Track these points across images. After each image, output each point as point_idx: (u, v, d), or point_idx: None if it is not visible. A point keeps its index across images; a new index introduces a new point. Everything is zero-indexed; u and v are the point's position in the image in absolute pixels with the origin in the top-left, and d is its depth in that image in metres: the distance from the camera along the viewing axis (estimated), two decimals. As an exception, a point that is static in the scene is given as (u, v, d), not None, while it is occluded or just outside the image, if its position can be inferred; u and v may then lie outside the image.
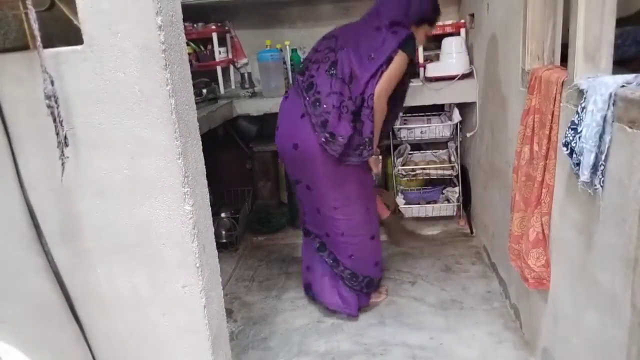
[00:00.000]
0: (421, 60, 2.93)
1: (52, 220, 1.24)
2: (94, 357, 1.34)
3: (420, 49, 2.91)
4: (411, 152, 3.24)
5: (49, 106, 1.06)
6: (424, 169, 3.09)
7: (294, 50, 3.15)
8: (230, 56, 3.33)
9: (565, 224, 1.51)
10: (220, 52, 3.16)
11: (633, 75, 1.20)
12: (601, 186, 1.22)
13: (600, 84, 1.21)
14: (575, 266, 1.45)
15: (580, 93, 1.31)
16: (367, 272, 2.24)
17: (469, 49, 2.85)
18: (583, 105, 1.27)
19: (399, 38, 1.96)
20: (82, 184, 1.20)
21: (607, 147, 1.19)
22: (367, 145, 2.00)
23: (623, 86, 1.16)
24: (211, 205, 1.36)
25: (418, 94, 2.73)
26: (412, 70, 2.13)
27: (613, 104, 1.16)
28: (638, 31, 1.69)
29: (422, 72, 2.91)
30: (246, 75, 3.26)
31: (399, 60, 1.96)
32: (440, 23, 2.91)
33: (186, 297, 1.27)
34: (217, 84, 3.14)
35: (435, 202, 3.15)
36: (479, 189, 2.83)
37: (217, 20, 3.24)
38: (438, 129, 3.03)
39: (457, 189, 3.09)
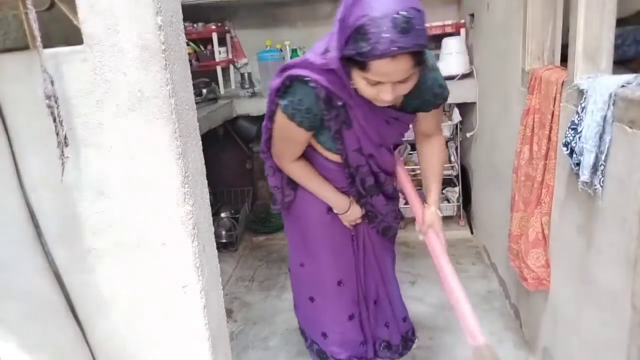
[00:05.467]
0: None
1: (52, 220, 1.23)
2: (94, 357, 1.34)
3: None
4: (411, 152, 3.22)
5: (49, 106, 1.06)
6: (424, 169, 3.09)
7: (294, 50, 3.15)
8: (230, 56, 3.33)
9: (565, 224, 1.51)
10: (220, 52, 3.17)
11: (633, 75, 1.20)
12: (601, 186, 1.22)
13: (600, 84, 1.21)
14: (575, 266, 1.45)
15: (580, 93, 1.31)
16: (312, 336, 1.83)
17: (469, 49, 2.85)
18: (583, 105, 1.27)
19: (275, 84, 1.33)
20: (82, 184, 1.20)
21: (607, 147, 1.19)
22: (274, 196, 1.65)
23: (623, 86, 1.16)
24: (211, 205, 1.36)
25: (418, 94, 2.73)
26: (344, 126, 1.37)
27: (613, 104, 1.16)
28: (638, 31, 1.70)
29: (422, 72, 2.91)
30: (246, 75, 3.26)
31: (279, 120, 1.37)
32: (440, 23, 2.91)
33: (186, 297, 1.27)
34: (217, 84, 3.14)
35: (435, 202, 3.15)
36: (479, 189, 2.83)
37: (217, 20, 3.24)
38: (438, 129, 3.02)
39: (457, 189, 3.09)
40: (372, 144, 1.45)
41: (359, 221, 1.64)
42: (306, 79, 1.27)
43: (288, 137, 1.41)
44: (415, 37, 1.08)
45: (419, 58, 1.14)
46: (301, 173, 1.53)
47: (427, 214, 1.52)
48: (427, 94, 1.38)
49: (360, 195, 1.58)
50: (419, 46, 1.11)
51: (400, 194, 1.73)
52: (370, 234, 1.69)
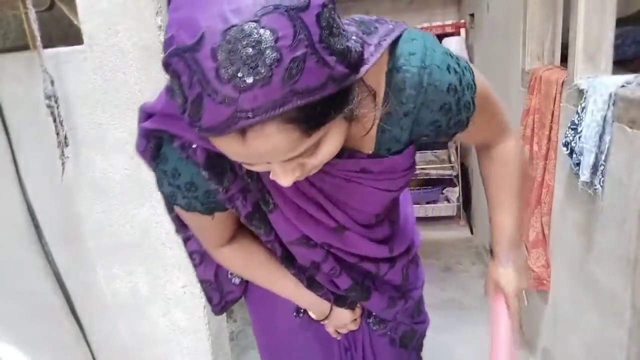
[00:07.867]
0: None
1: (52, 220, 1.23)
2: (94, 357, 1.34)
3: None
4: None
5: (49, 106, 1.06)
6: (423, 168, 3.09)
7: (294, 50, 3.15)
8: (230, 56, 3.34)
9: (565, 224, 1.51)
10: (220, 52, 3.17)
11: (633, 75, 1.20)
12: (601, 186, 1.22)
13: (600, 84, 1.21)
14: (575, 266, 1.45)
15: (580, 93, 1.31)
16: None
17: (469, 49, 2.85)
18: (583, 105, 1.27)
19: (139, 145, 0.77)
20: (82, 184, 1.20)
21: (607, 147, 1.19)
22: (206, 295, 1.02)
23: (623, 86, 1.16)
24: (211, 205, 1.36)
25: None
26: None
27: (613, 104, 1.16)
28: (638, 31, 1.69)
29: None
30: (246, 75, 3.26)
31: None
32: (440, 23, 2.91)
33: (186, 297, 1.27)
34: (217, 84, 3.14)
35: (435, 202, 3.15)
36: (479, 189, 2.83)
37: (217, 20, 3.24)
38: (438, 129, 3.03)
39: (457, 188, 3.09)
40: (322, 228, 0.79)
41: (351, 327, 1.00)
42: (171, 135, 0.67)
43: (191, 224, 0.82)
44: (284, 82, 0.44)
45: (309, 119, 0.48)
46: (244, 262, 0.88)
47: (495, 270, 0.94)
48: (418, 122, 0.69)
49: (340, 301, 0.95)
50: (302, 96, 0.45)
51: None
52: (377, 345, 1.07)
